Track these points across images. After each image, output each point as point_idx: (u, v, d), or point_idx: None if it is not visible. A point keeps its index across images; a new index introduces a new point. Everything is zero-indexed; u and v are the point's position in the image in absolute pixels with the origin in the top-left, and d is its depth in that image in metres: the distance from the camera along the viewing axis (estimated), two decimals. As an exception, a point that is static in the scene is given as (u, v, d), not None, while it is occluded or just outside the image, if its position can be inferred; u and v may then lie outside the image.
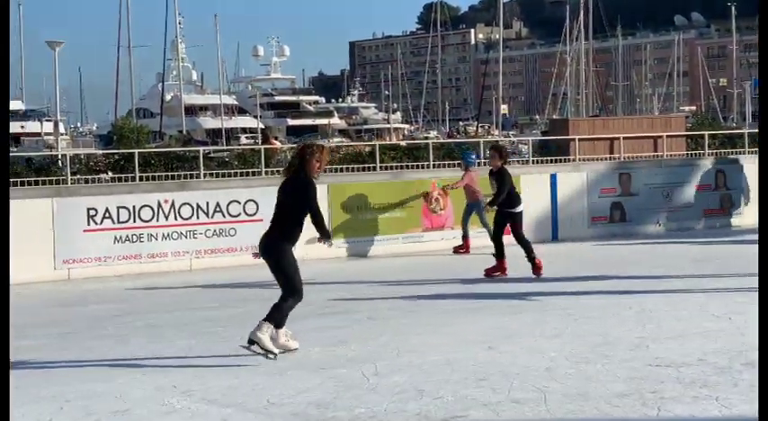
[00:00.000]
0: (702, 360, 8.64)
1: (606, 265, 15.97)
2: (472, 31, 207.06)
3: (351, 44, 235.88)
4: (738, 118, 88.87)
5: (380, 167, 20.93)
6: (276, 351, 9.06)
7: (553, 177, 19.71)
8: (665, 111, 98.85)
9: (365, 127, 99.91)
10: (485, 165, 19.48)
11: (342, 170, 20.36)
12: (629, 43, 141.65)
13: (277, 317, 9.17)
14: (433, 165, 21.28)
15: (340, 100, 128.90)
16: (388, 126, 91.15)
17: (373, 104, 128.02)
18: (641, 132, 25.33)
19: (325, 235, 9.48)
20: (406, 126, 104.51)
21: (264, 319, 9.06)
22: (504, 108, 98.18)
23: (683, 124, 28.30)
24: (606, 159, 22.64)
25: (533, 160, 23.28)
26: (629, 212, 20.40)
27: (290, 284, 9.25)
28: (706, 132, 25.60)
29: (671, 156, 23.30)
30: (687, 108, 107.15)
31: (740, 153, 23.84)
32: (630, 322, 10.65)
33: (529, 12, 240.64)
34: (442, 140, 43.03)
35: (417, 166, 21.12)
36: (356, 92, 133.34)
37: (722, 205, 21.43)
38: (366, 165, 21.26)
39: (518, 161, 25.26)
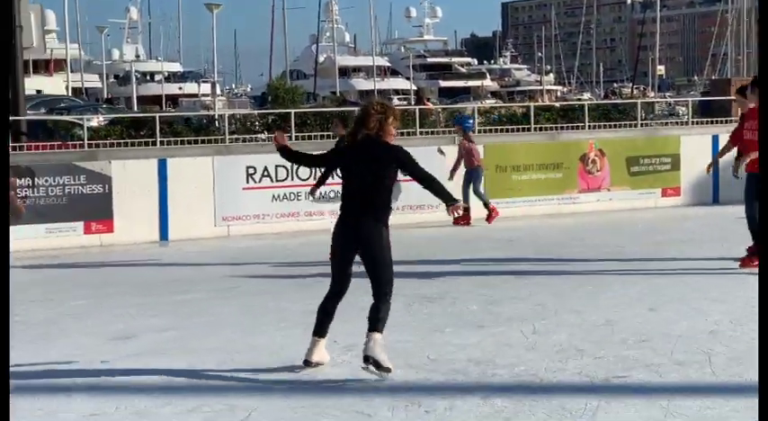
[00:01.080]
0: None
1: (770, 229, 15.54)
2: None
3: (503, 5, 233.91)
4: None
5: (535, 129, 20.75)
6: (390, 366, 7.28)
7: (715, 138, 19.17)
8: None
9: (518, 89, 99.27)
10: (490, 131, 19.15)
11: (497, 131, 20.25)
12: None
13: (383, 323, 7.39)
14: (589, 126, 20.97)
15: (492, 62, 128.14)
16: (540, 88, 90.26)
17: (526, 66, 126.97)
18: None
19: (450, 200, 7.44)
20: (560, 88, 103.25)
21: (373, 330, 7.33)
22: (660, 69, 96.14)
23: None
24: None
25: (693, 121, 22.71)
26: (795, 175, 19.72)
27: (391, 280, 7.44)
28: None
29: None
30: None
31: None
32: (797, 287, 10.35)
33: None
34: (597, 102, 42.33)
35: (573, 127, 20.84)
36: (508, 53, 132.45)
37: None
38: (521, 126, 21.09)
39: (677, 122, 24.72)
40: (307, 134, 18.77)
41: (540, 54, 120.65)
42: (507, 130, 20.77)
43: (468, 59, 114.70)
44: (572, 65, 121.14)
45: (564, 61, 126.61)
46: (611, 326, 8.68)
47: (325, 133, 18.86)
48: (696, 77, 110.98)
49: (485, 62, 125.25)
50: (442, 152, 17.05)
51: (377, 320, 7.33)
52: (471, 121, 18.24)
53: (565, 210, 18.03)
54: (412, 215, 16.64)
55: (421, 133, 19.17)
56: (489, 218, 16.78)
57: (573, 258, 13.01)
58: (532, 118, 21.01)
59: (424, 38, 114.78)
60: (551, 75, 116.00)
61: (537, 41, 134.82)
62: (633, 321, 8.88)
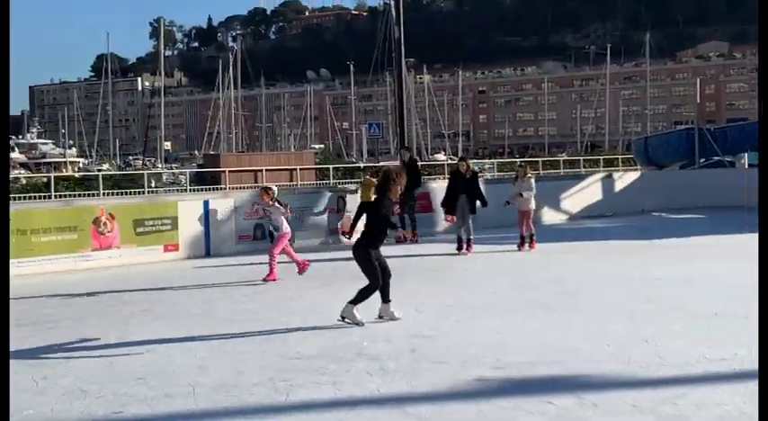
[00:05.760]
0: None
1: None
2: (139, 78, 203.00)
3: (30, 88, 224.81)
4: (357, 154, 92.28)
5: (54, 196, 20.00)
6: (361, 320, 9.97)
7: (206, 203, 19.40)
8: (299, 149, 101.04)
9: (44, 160, 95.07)
10: (14, 199, 18.95)
11: (20, 198, 19.24)
12: (271, 92, 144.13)
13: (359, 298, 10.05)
14: (103, 193, 20.58)
15: (20, 137, 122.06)
16: (64, 160, 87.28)
17: (51, 141, 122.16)
18: (280, 165, 25.73)
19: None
20: (81, 159, 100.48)
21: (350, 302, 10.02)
22: (166, 144, 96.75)
23: (313, 159, 28.99)
24: (251, 187, 22.68)
25: (190, 189, 23.01)
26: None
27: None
28: (331, 166, 26.34)
29: (303, 184, 23.71)
30: (317, 146, 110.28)
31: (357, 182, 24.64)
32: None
33: (188, 64, 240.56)
34: (111, 172, 41.65)
35: (88, 195, 20.32)
36: (35, 129, 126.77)
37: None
38: (42, 194, 20.29)
39: (177, 190, 24.86)
40: None
41: (63, 130, 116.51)
42: (30, 198, 19.87)
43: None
44: (93, 140, 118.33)
45: (86, 137, 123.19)
46: (111, 367, 8.40)
47: None
48: (196, 152, 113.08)
49: (13, 137, 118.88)
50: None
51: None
52: None
53: (81, 266, 17.27)
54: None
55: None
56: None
57: (90, 306, 12.44)
58: (53, 186, 20.26)
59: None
60: (74, 148, 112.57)
61: (61, 119, 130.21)
62: (131, 361, 8.65)
